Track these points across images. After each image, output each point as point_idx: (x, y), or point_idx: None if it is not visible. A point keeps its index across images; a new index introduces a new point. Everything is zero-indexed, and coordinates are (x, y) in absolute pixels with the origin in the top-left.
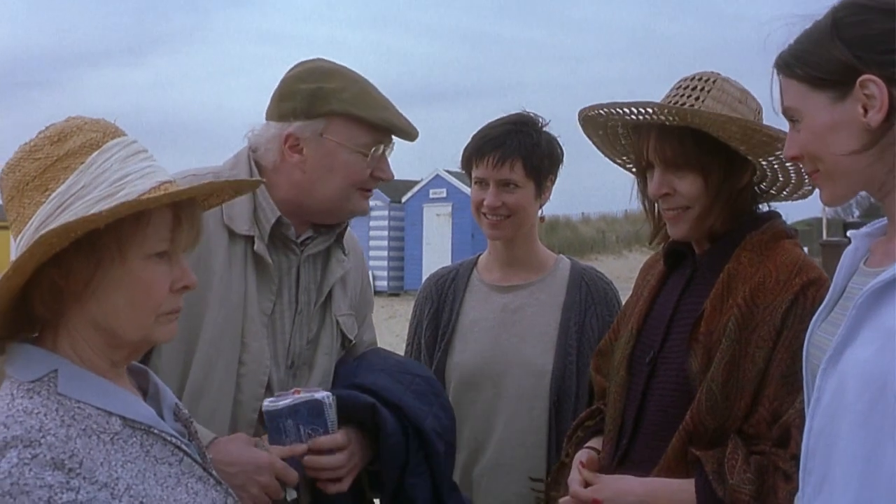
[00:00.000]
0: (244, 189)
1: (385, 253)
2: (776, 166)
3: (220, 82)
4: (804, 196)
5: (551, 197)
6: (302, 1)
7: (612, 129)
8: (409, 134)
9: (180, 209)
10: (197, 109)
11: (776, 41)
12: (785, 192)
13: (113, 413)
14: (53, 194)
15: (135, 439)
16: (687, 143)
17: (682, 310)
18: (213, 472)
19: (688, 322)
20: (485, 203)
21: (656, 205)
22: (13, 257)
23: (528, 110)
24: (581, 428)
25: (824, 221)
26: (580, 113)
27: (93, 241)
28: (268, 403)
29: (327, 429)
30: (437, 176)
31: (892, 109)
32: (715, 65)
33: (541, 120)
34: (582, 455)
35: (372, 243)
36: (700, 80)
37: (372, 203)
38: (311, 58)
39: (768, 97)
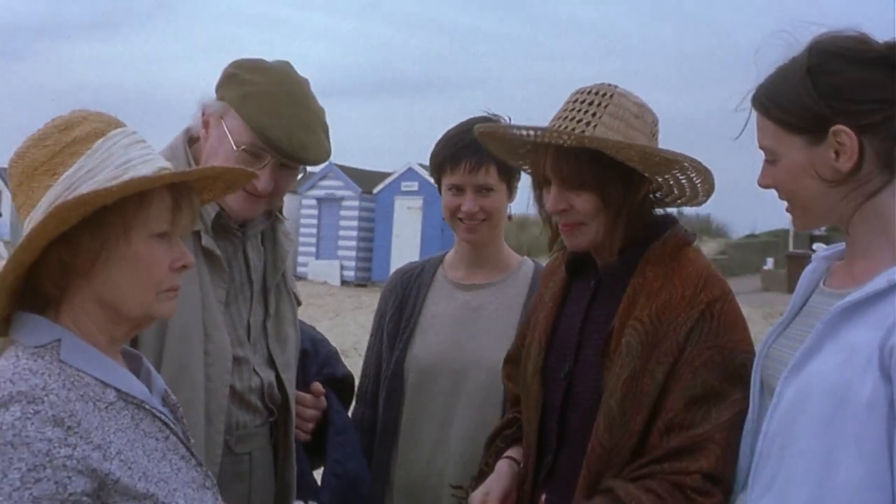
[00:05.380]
0: (239, 179)
1: (354, 243)
2: (671, 182)
3: (192, 60)
4: (698, 205)
5: (521, 195)
6: None
7: (509, 141)
8: (289, 155)
9: (179, 193)
10: (167, 86)
11: (765, 58)
12: (680, 201)
13: (109, 385)
14: (62, 177)
15: (126, 412)
16: (583, 162)
17: (591, 322)
18: (196, 454)
19: (599, 336)
20: (462, 209)
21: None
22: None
23: (489, 111)
24: (500, 437)
25: (791, 233)
26: (476, 130)
27: (100, 221)
28: None
29: None
30: (410, 169)
31: (861, 157)
32: (697, 70)
33: (503, 120)
34: (502, 466)
35: (341, 233)
36: (597, 94)
37: (343, 193)
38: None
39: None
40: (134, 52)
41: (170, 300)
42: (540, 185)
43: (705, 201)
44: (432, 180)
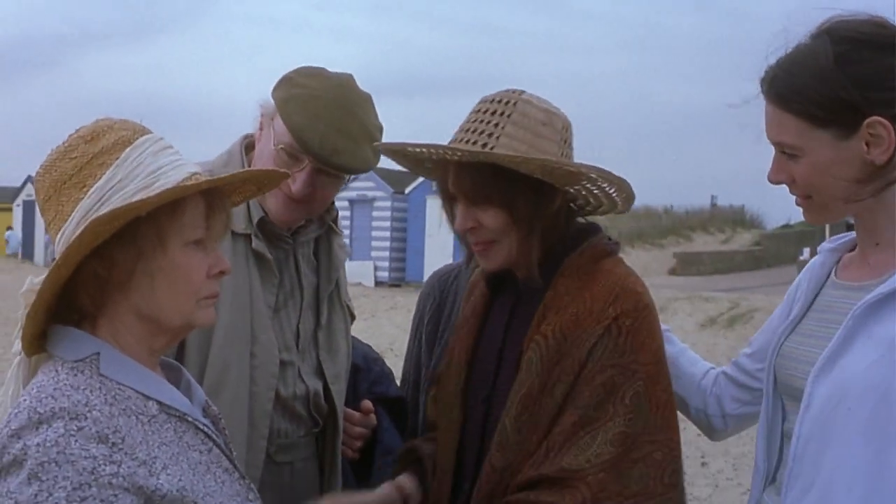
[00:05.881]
0: (274, 179)
1: (387, 244)
2: (584, 193)
3: (224, 67)
4: (621, 212)
5: None
6: None
7: (414, 156)
8: (321, 159)
9: (212, 198)
10: (200, 94)
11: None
12: (599, 210)
13: (150, 397)
14: (92, 189)
15: (169, 424)
16: (486, 176)
17: (509, 342)
18: (239, 467)
19: (516, 357)
20: None
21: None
22: (56, 254)
23: None
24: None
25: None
26: (378, 147)
27: (133, 233)
28: None
29: None
30: None
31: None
32: (716, 59)
33: None
34: (385, 487)
35: (374, 234)
36: (500, 102)
37: (375, 194)
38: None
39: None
40: (162, 60)
41: (209, 307)
42: (449, 202)
43: (625, 211)
44: None
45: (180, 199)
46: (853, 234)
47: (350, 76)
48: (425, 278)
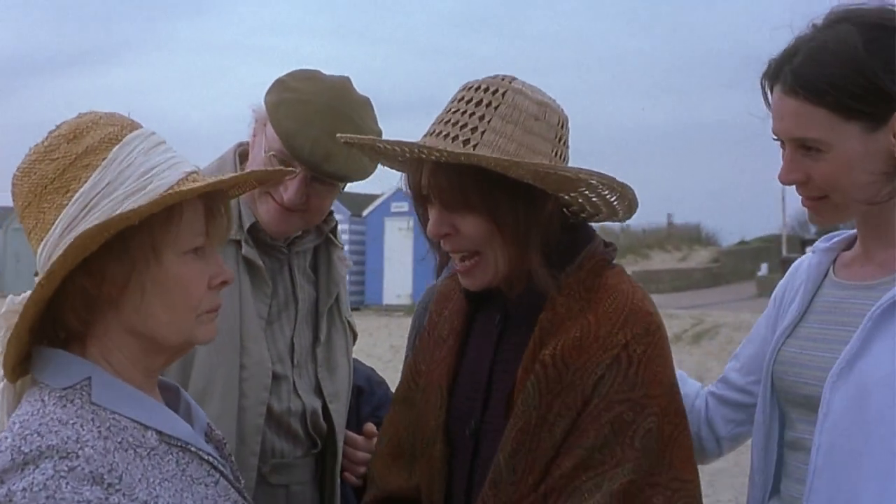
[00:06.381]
0: (276, 178)
1: None
2: (581, 200)
3: (183, 92)
4: (621, 221)
5: None
6: (266, 12)
7: (384, 151)
8: (312, 166)
9: (212, 200)
10: (152, 120)
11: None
12: (597, 218)
13: (149, 427)
14: (77, 194)
15: (171, 456)
16: (466, 178)
17: (498, 369)
18: (248, 498)
19: (505, 388)
20: None
21: None
22: (39, 267)
23: None
24: None
25: (784, 238)
26: (340, 138)
27: (125, 243)
28: None
29: None
30: (399, 190)
31: None
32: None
33: None
34: None
35: None
36: (487, 91)
37: None
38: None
39: (739, 110)
40: (119, 87)
41: (211, 322)
42: (421, 203)
43: (627, 219)
44: None
45: (177, 204)
46: (847, 232)
47: (346, 79)
48: (385, 301)
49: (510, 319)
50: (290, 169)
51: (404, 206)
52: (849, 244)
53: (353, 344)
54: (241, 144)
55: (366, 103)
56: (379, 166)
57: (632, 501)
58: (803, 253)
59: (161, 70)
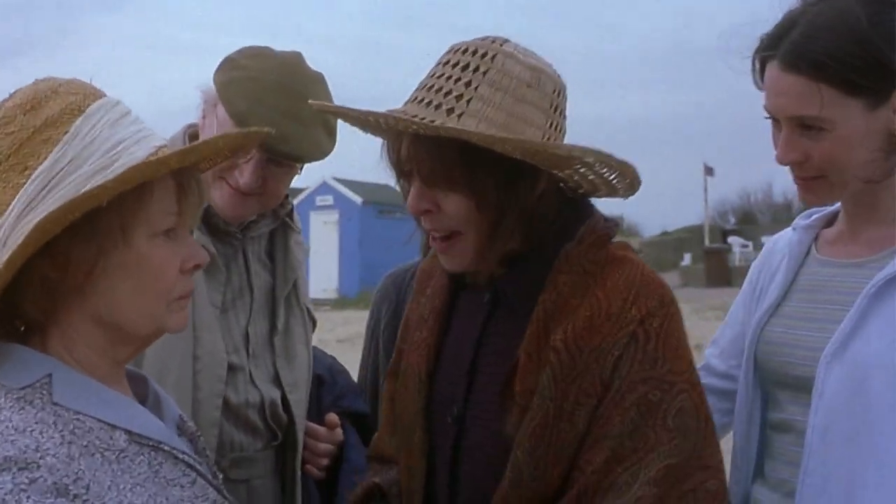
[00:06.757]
0: (252, 141)
1: None
2: (577, 177)
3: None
4: (624, 198)
5: None
6: (184, 7)
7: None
8: (267, 147)
9: (183, 177)
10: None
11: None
12: (594, 196)
13: (117, 426)
14: (35, 172)
15: (142, 457)
16: (449, 153)
17: (486, 353)
18: (228, 496)
19: (497, 372)
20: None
21: None
22: None
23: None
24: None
25: (706, 228)
26: (312, 105)
27: (92, 224)
28: None
29: None
30: (324, 183)
31: None
32: (592, 73)
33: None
34: None
35: None
36: (475, 54)
37: None
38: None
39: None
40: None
41: (182, 310)
42: (403, 175)
43: (630, 196)
44: (347, 194)
45: (147, 181)
46: (827, 209)
47: (298, 54)
48: (311, 296)
49: (501, 298)
50: (267, 129)
51: (329, 199)
52: (829, 221)
53: (313, 331)
54: (190, 126)
55: (319, 79)
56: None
57: (678, 487)
58: (725, 243)
59: (73, 64)
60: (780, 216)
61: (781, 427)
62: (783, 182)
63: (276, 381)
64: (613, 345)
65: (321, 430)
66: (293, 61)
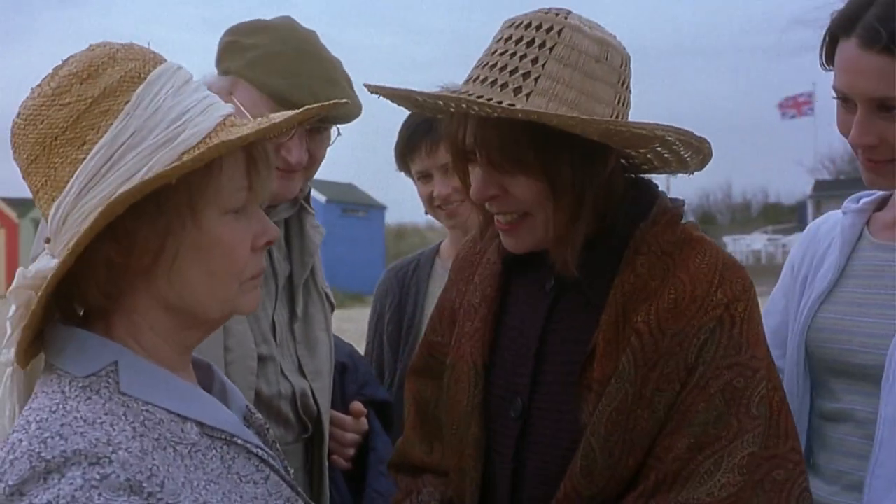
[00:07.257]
0: (327, 112)
1: None
2: (650, 156)
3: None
4: (691, 173)
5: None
6: (143, 3)
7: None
8: (327, 115)
9: (254, 149)
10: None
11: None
12: (658, 171)
13: (188, 418)
14: (96, 147)
15: (214, 452)
16: (519, 135)
17: (553, 341)
18: (302, 493)
19: (569, 360)
20: (435, 194)
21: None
22: (50, 232)
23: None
24: None
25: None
26: (368, 88)
27: (159, 204)
28: None
29: None
30: None
31: None
32: None
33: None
34: None
35: None
36: (539, 28)
37: None
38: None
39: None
40: None
41: (254, 289)
42: (462, 159)
43: (698, 171)
44: (312, 192)
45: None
46: (877, 193)
47: (289, 18)
48: None
49: (566, 283)
50: (345, 100)
51: None
52: (879, 205)
53: (332, 315)
54: None
55: (315, 35)
56: None
57: (760, 474)
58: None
59: (22, 62)
60: (740, 216)
61: (837, 416)
62: (742, 182)
63: (301, 370)
64: (699, 329)
65: (347, 419)
66: (294, 26)
